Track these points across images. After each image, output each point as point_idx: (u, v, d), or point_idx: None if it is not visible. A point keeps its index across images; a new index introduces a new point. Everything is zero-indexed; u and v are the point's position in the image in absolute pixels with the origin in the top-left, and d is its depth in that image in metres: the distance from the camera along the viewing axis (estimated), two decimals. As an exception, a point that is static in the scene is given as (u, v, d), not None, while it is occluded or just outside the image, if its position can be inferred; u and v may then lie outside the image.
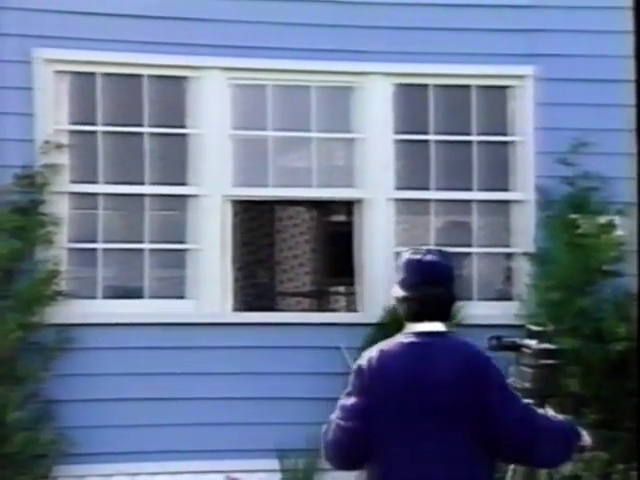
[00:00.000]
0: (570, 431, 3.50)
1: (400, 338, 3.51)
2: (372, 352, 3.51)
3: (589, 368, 6.34)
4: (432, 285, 3.47)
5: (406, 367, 3.42)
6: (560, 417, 3.54)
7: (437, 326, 3.49)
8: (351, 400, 3.48)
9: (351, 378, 3.53)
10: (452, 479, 3.36)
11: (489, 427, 3.35)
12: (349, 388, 3.52)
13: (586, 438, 3.56)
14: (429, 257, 3.52)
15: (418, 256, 3.52)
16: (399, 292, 3.52)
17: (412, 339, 3.47)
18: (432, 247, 3.70)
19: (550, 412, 3.59)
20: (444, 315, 3.51)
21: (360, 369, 3.49)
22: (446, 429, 3.36)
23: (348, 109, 7.03)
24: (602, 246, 6.60)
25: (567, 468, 4.05)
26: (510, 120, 7.14)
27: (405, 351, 3.45)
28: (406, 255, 3.56)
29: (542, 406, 3.71)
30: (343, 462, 3.55)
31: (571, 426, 3.52)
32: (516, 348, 4.01)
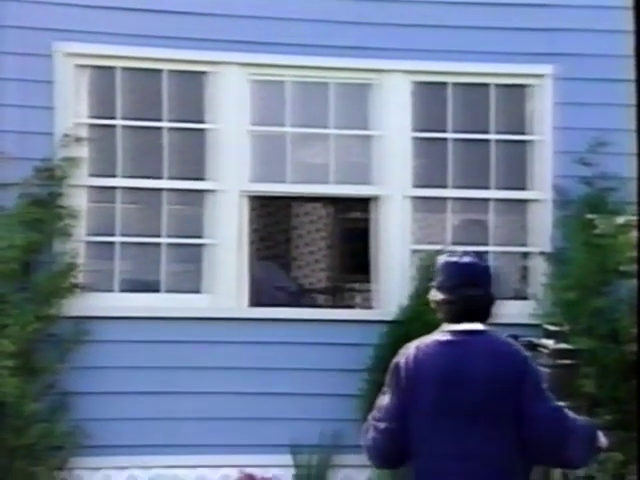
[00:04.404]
0: (593, 433, 3.51)
1: (437, 336, 3.52)
2: (409, 349, 3.52)
3: (604, 369, 6.32)
4: (470, 286, 3.48)
5: (443, 365, 3.43)
6: (581, 418, 3.54)
7: (476, 326, 3.50)
8: (387, 399, 3.50)
9: (387, 376, 3.54)
10: (486, 476, 3.38)
11: (520, 424, 3.36)
12: (385, 387, 3.53)
13: (602, 439, 3.56)
14: (466, 259, 3.53)
15: (455, 258, 3.54)
16: (438, 295, 3.53)
17: (449, 337, 3.48)
18: (468, 249, 3.70)
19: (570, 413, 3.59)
20: (483, 316, 3.51)
21: (396, 367, 3.51)
22: (481, 426, 3.38)
23: (366, 106, 7.03)
24: (619, 246, 6.58)
25: (582, 469, 4.05)
26: (528, 119, 7.13)
27: (442, 349, 3.46)
28: (443, 258, 3.58)
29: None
30: (382, 462, 3.58)
31: (592, 427, 3.53)
32: (533, 348, 4.01)
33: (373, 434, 3.51)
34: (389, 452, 3.50)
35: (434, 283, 3.56)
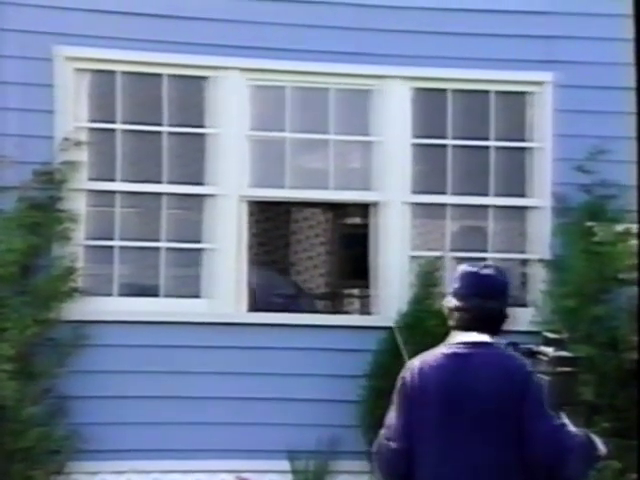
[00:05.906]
0: (592, 447, 3.50)
1: (442, 349, 3.53)
2: (414, 363, 3.54)
3: (603, 376, 6.32)
4: (485, 298, 3.50)
5: (446, 378, 3.45)
6: (579, 431, 3.53)
7: (483, 337, 3.51)
8: (394, 417, 3.53)
9: (395, 392, 3.56)
10: None
11: (521, 440, 3.37)
12: (393, 403, 3.56)
13: (601, 447, 3.55)
14: (486, 271, 3.56)
15: (475, 269, 3.57)
16: (452, 302, 3.55)
17: (454, 350, 3.50)
18: (490, 262, 3.73)
19: (566, 421, 3.58)
20: (493, 329, 3.53)
21: (402, 383, 3.53)
22: (483, 439, 3.39)
23: (366, 112, 7.04)
24: (618, 254, 6.58)
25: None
26: (528, 126, 7.14)
27: (447, 362, 3.47)
28: (463, 267, 3.60)
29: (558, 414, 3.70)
30: (392, 478, 3.59)
31: (591, 441, 3.52)
32: (532, 355, 4.00)
33: (386, 454, 3.54)
34: (397, 469, 3.53)
35: (450, 289, 3.58)
